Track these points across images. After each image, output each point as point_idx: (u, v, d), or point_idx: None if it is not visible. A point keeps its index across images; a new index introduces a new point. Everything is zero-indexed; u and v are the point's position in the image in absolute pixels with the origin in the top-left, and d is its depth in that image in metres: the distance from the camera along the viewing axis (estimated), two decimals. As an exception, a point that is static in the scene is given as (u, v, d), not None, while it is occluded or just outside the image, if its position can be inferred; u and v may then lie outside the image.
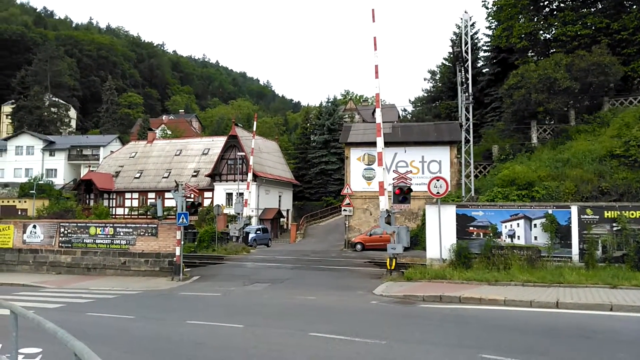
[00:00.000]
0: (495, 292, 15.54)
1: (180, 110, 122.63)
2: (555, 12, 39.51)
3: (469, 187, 28.38)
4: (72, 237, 26.24)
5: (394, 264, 20.98)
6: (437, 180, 21.63)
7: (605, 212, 19.38)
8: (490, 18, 46.59)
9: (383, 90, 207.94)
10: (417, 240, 30.00)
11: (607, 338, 10.33)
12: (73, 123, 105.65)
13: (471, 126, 28.65)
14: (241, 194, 46.57)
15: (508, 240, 20.22)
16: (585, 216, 19.47)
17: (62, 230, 26.59)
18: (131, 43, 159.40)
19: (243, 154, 51.60)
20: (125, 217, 57.07)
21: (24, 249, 27.13)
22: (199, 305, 16.24)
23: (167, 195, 48.97)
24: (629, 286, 15.76)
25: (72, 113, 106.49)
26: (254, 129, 49.92)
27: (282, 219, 58.32)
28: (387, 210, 21.34)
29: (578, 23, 36.14)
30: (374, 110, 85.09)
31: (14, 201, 62.63)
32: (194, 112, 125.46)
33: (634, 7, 36.05)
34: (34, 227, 27.42)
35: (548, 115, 34.84)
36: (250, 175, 45.96)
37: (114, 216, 57.15)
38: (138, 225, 25.58)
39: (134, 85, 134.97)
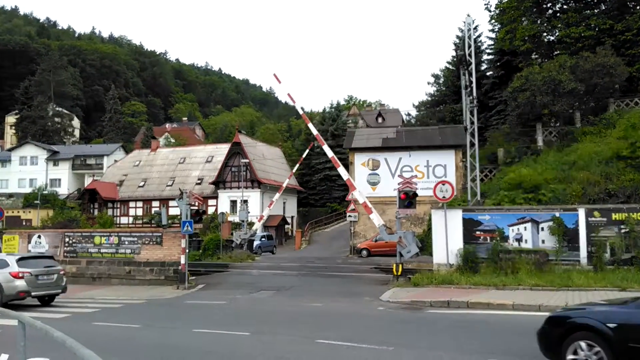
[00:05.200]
0: (503, 297, 15.43)
1: (183, 118, 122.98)
2: (558, 14, 39.45)
3: (474, 191, 28.23)
4: (77, 247, 26.24)
5: (400, 269, 20.87)
6: (443, 184, 21.50)
7: (613, 214, 19.25)
8: (493, 21, 46.58)
9: (387, 94, 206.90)
10: (424, 245, 29.84)
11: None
12: (77, 133, 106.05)
13: (476, 130, 28.52)
14: (245, 201, 46.55)
15: (515, 244, 20.09)
16: (593, 219, 19.35)
17: (66, 240, 26.59)
18: (134, 52, 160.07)
19: (247, 160, 51.68)
20: (130, 226, 57.08)
21: (29, 259, 27.13)
22: (205, 313, 16.18)
23: (171, 203, 49.02)
24: (638, 288, 15.64)
25: (76, 122, 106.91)
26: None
27: (286, 226, 58.25)
28: (383, 224, 21.68)
29: (582, 25, 36.06)
30: (379, 115, 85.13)
31: (18, 211, 62.73)
32: (197, 120, 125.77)
33: (638, 7, 35.98)
34: (39, 237, 27.44)
35: (553, 117, 34.74)
36: (277, 196, 45.68)
37: (118, 225, 57.18)
38: (143, 234, 25.56)
39: (137, 93, 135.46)
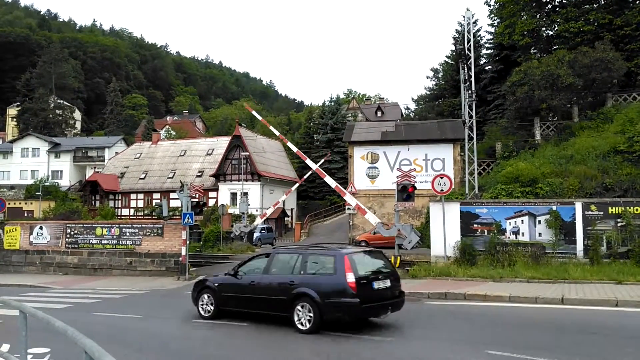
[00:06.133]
0: (500, 289, 15.56)
1: (184, 111, 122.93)
2: (557, 9, 39.41)
3: (472, 185, 28.40)
4: (79, 238, 26.38)
5: (398, 261, 21.01)
6: (441, 177, 21.65)
7: (610, 208, 19.36)
8: (493, 15, 46.58)
9: (387, 89, 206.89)
10: (422, 237, 30.06)
11: (613, 333, 10.34)
12: (78, 125, 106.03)
13: (474, 124, 28.67)
14: (245, 194, 46.70)
15: (512, 237, 20.22)
16: (590, 212, 19.47)
17: (68, 231, 26.73)
18: (135, 44, 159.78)
19: (247, 153, 51.78)
20: (131, 217, 57.23)
21: (31, 250, 27.30)
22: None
23: (172, 195, 49.15)
24: (634, 282, 15.76)
25: (77, 115, 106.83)
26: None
27: (286, 218, 58.35)
28: (379, 222, 22.23)
29: (581, 19, 36.05)
30: (378, 109, 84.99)
31: (20, 203, 62.87)
32: (198, 113, 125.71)
33: (637, 2, 35.96)
34: (41, 228, 27.58)
35: (551, 111, 34.78)
36: (284, 197, 45.61)
37: (119, 217, 57.32)
38: (144, 226, 25.68)
39: (138, 86, 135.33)
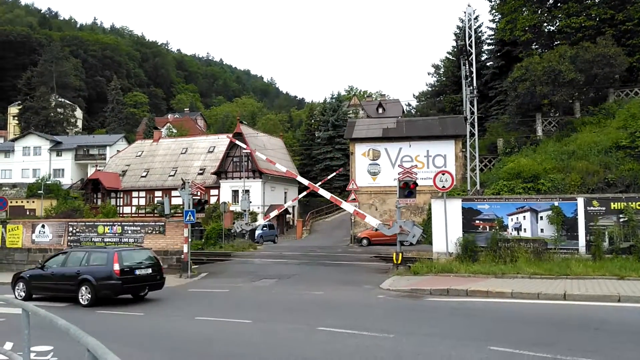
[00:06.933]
0: (502, 285, 15.56)
1: (185, 109, 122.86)
2: (559, 4, 39.30)
3: (474, 181, 28.36)
4: (81, 236, 26.42)
5: (400, 258, 21.02)
6: (443, 174, 21.63)
7: (612, 203, 19.33)
8: (494, 11, 46.49)
9: (388, 85, 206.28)
10: (423, 234, 30.03)
11: (615, 329, 10.33)
12: (79, 123, 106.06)
13: (476, 120, 28.63)
14: (247, 191, 46.76)
15: (514, 233, 20.21)
16: (592, 208, 19.44)
17: (70, 229, 26.78)
18: (135, 42, 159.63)
19: (248, 151, 51.77)
20: (133, 215, 57.29)
21: (33, 249, 27.36)
22: (207, 301, 16.34)
23: (173, 193, 49.21)
24: (636, 277, 15.75)
25: (78, 113, 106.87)
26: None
27: (287, 215, 58.38)
28: (380, 223, 22.46)
29: (582, 14, 35.95)
30: (379, 105, 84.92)
31: (22, 201, 62.93)
32: (199, 111, 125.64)
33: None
34: (43, 226, 27.63)
35: (553, 107, 34.72)
36: (289, 203, 45.66)
37: (121, 215, 57.38)
38: (146, 224, 25.71)
39: (139, 84, 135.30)
